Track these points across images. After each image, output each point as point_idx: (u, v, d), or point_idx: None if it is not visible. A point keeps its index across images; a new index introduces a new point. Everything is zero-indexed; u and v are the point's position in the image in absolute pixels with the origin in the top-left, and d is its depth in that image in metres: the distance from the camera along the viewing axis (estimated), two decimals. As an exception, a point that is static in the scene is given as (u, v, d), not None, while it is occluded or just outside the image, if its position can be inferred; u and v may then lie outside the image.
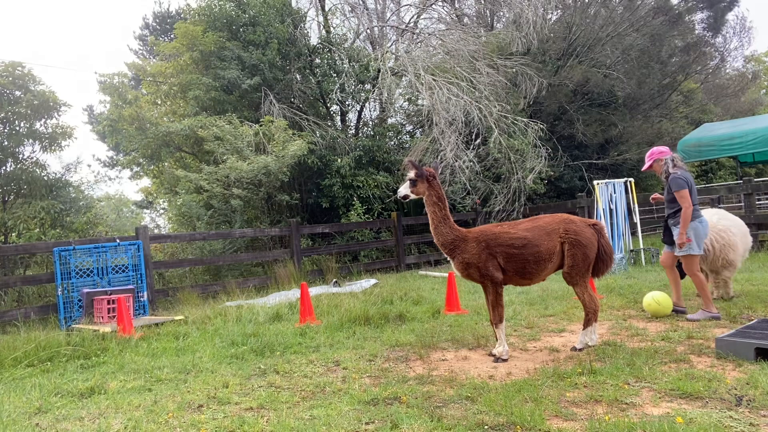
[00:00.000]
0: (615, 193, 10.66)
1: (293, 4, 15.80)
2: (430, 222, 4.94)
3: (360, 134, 15.52)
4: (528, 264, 4.75)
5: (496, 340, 4.93)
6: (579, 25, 17.08)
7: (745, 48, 26.25)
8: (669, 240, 6.10)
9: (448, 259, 4.99)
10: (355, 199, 13.32)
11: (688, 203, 5.71)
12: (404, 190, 4.96)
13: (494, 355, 4.85)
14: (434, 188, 4.90)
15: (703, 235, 5.89)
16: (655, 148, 6.18)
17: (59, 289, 8.06)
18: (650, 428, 3.08)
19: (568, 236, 4.82)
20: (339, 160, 13.29)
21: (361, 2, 16.18)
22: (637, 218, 10.95)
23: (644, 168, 6.27)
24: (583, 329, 4.96)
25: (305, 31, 14.88)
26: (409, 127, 16.66)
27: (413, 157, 12.85)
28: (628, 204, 10.86)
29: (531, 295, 7.79)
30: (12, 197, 11.53)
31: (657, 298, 5.98)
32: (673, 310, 6.03)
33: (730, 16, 23.54)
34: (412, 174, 4.93)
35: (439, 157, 12.11)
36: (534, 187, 13.14)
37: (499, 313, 4.81)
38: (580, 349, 4.85)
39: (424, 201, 4.96)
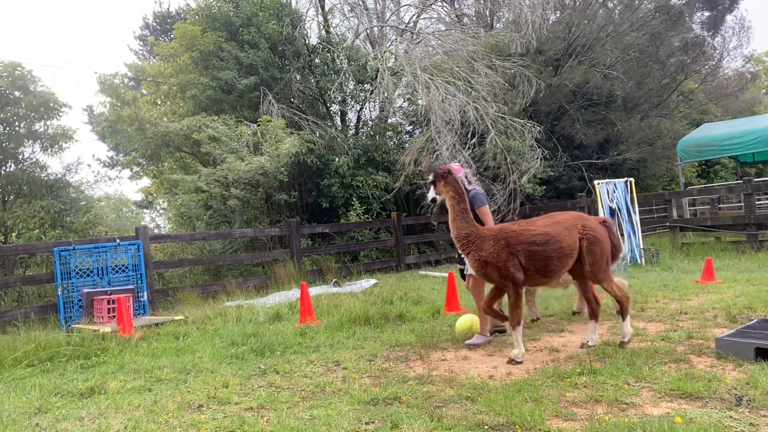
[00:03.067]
0: (615, 191, 10.67)
1: (293, 4, 15.80)
2: (449, 215, 4.88)
3: (360, 134, 15.52)
4: (551, 261, 4.66)
5: (498, 336, 4.91)
6: (578, 26, 17.08)
7: (744, 48, 26.29)
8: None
9: (463, 255, 4.90)
10: (354, 199, 13.32)
11: (491, 219, 5.55)
12: (430, 194, 4.96)
13: (510, 358, 4.73)
14: (450, 183, 4.84)
15: None
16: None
17: (59, 289, 8.06)
18: (650, 428, 3.08)
19: (586, 232, 4.79)
20: (337, 160, 13.29)
21: (360, 2, 16.19)
22: (636, 218, 10.96)
23: None
24: (623, 320, 4.90)
25: (304, 31, 14.88)
26: (408, 127, 16.67)
27: (408, 156, 12.83)
28: (628, 204, 10.86)
29: (531, 295, 7.79)
30: (12, 197, 11.53)
31: (464, 325, 5.66)
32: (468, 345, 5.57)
33: (729, 16, 23.59)
34: (430, 177, 4.94)
35: (434, 156, 12.10)
36: (529, 188, 13.11)
37: (517, 315, 4.70)
38: (627, 342, 4.81)
39: (445, 198, 4.91)
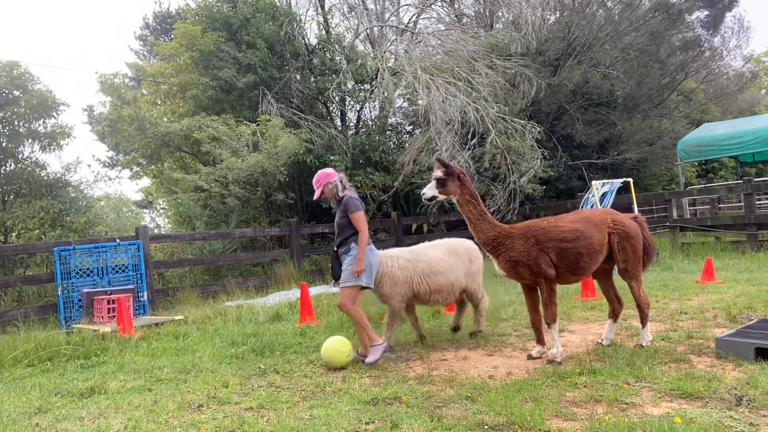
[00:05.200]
0: (606, 190, 10.72)
1: (292, 4, 15.80)
2: (467, 222, 4.62)
3: (360, 134, 15.52)
4: (582, 258, 4.54)
5: (537, 341, 4.82)
6: (578, 25, 17.06)
7: (743, 48, 26.26)
8: (338, 275, 5.20)
9: (491, 257, 4.69)
10: None
11: (366, 226, 5.06)
12: (430, 191, 4.58)
13: (549, 359, 4.60)
14: (466, 186, 4.56)
15: (375, 265, 5.18)
16: (321, 173, 5.28)
17: (59, 289, 8.05)
18: (650, 428, 3.08)
19: (616, 228, 4.70)
20: (333, 159, 13.28)
21: (360, 2, 16.18)
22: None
23: (315, 197, 5.29)
24: (643, 327, 4.86)
25: (302, 31, 14.88)
26: (408, 127, 16.67)
27: (408, 156, 12.79)
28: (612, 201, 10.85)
29: (531, 295, 7.78)
30: (12, 197, 11.54)
31: (334, 349, 4.94)
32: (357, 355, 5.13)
33: (728, 15, 23.58)
34: (439, 173, 4.54)
35: (434, 157, 12.08)
36: (529, 189, 13.11)
37: (552, 312, 4.57)
38: (643, 346, 4.74)
39: (456, 201, 4.61)
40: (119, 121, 14.60)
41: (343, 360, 4.89)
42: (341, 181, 5.21)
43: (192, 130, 12.81)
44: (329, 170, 5.32)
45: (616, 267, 4.90)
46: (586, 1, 17.87)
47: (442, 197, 4.61)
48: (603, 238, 4.66)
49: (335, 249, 5.24)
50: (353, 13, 15.87)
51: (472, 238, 4.78)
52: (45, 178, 11.62)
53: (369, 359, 4.92)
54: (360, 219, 5.04)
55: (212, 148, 12.31)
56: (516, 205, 12.74)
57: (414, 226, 14.56)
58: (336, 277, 5.25)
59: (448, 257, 5.57)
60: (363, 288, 5.16)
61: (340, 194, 5.17)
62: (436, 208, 13.58)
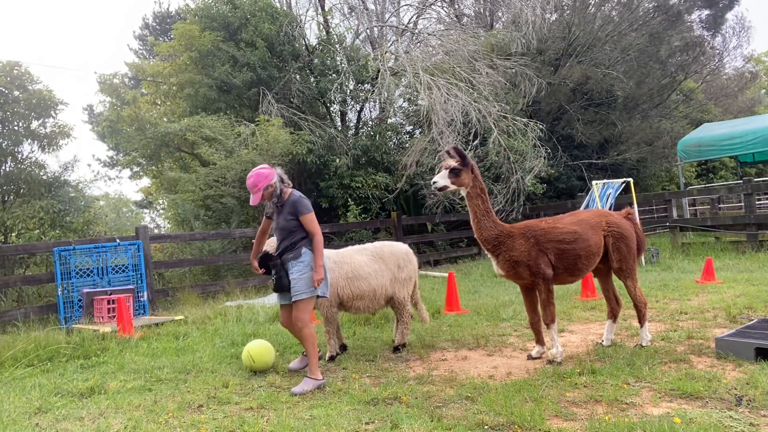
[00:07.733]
0: (607, 190, 10.73)
1: (292, 4, 15.79)
2: (471, 216, 4.51)
3: (360, 134, 15.52)
4: (579, 260, 4.58)
5: (537, 342, 4.82)
6: (578, 25, 17.08)
7: (744, 48, 26.29)
8: (286, 284, 4.42)
9: (490, 256, 4.64)
10: (350, 200, 13.28)
11: (319, 228, 4.45)
12: (442, 180, 4.40)
13: (549, 359, 4.59)
14: (478, 179, 4.49)
15: (329, 270, 4.78)
16: (256, 174, 4.42)
17: (59, 289, 8.05)
18: (650, 428, 3.08)
19: (611, 229, 4.75)
20: (337, 161, 13.27)
21: (360, 2, 16.19)
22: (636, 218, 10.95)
23: (254, 202, 4.46)
24: (641, 326, 4.88)
25: (302, 32, 14.88)
26: (409, 127, 16.67)
27: (411, 157, 12.76)
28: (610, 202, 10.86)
29: (531, 295, 7.78)
30: (11, 197, 11.54)
31: (252, 352, 4.81)
32: (290, 370, 4.84)
33: (729, 15, 23.60)
34: (454, 162, 4.40)
35: (437, 158, 12.08)
36: (532, 188, 13.13)
37: (551, 312, 4.57)
38: (643, 346, 4.77)
39: (466, 194, 4.48)
40: (119, 121, 14.61)
41: (267, 362, 4.84)
42: (281, 180, 4.49)
43: (192, 130, 12.79)
44: (265, 169, 4.47)
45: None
46: (587, 1, 17.88)
47: (453, 188, 4.44)
48: (599, 240, 4.71)
49: (279, 256, 4.51)
50: (353, 13, 15.88)
51: (471, 237, 4.76)
52: (44, 177, 11.62)
53: (297, 388, 4.22)
54: (314, 221, 4.43)
55: (205, 150, 12.23)
56: (520, 204, 12.74)
57: (427, 227, 14.56)
58: (281, 289, 4.48)
59: (373, 262, 5.34)
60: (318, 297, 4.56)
61: (283, 193, 4.49)
62: (439, 209, 13.57)
